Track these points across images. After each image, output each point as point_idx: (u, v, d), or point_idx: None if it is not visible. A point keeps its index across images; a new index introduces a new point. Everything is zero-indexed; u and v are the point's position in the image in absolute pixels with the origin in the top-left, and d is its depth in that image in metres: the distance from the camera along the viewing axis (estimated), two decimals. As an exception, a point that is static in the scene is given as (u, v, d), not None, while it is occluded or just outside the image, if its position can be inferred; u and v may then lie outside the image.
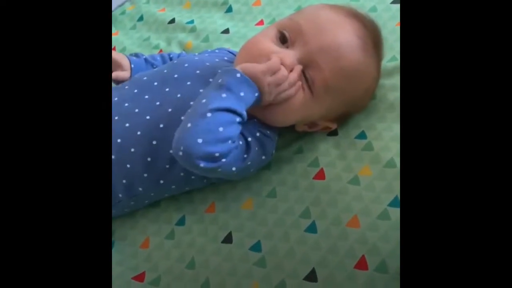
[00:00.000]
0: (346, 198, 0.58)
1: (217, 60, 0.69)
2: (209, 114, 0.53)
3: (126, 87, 0.67)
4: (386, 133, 0.62)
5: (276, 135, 0.64)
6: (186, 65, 0.67)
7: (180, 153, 0.53)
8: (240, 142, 0.58)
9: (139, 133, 0.61)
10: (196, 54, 0.78)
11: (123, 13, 1.00)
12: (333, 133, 0.65)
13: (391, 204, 0.56)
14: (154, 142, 0.60)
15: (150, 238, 0.65)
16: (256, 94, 0.56)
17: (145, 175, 0.61)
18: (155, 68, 0.77)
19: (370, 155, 0.61)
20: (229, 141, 0.54)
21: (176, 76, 0.65)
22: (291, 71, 0.57)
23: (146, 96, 0.64)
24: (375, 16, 0.77)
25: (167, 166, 0.60)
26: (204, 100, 0.55)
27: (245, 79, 0.55)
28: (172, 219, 0.65)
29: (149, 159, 0.61)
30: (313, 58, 0.57)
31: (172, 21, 0.94)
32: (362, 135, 0.63)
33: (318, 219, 0.58)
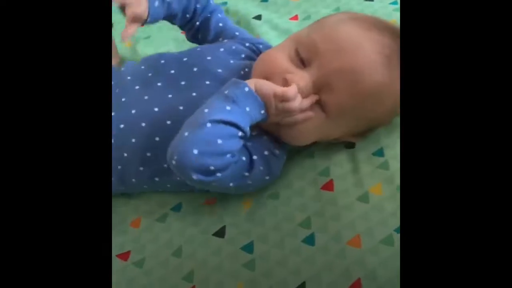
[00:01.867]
0: (352, 215, 0.55)
1: (243, 55, 0.64)
2: (209, 125, 0.49)
3: (142, 67, 0.64)
4: (405, 155, 0.58)
5: (285, 154, 0.60)
6: (208, 58, 0.62)
7: (174, 162, 0.50)
8: (243, 158, 0.54)
9: (143, 124, 0.57)
10: (225, 41, 0.68)
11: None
12: (350, 145, 0.62)
13: (398, 230, 0.52)
14: (157, 139, 0.56)
15: (142, 218, 0.62)
16: (263, 112, 0.53)
17: (141, 168, 0.58)
18: (171, 8, 0.66)
19: (385, 174, 0.57)
20: (228, 155, 0.51)
21: (195, 70, 0.61)
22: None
23: (159, 84, 0.60)
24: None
25: (165, 166, 0.55)
26: (206, 110, 0.51)
27: (252, 94, 0.52)
28: (168, 203, 0.63)
29: (148, 154, 0.57)
30: (328, 81, 0.53)
31: (206, -1, 0.90)
32: (380, 152, 0.60)
33: (318, 232, 0.55)
